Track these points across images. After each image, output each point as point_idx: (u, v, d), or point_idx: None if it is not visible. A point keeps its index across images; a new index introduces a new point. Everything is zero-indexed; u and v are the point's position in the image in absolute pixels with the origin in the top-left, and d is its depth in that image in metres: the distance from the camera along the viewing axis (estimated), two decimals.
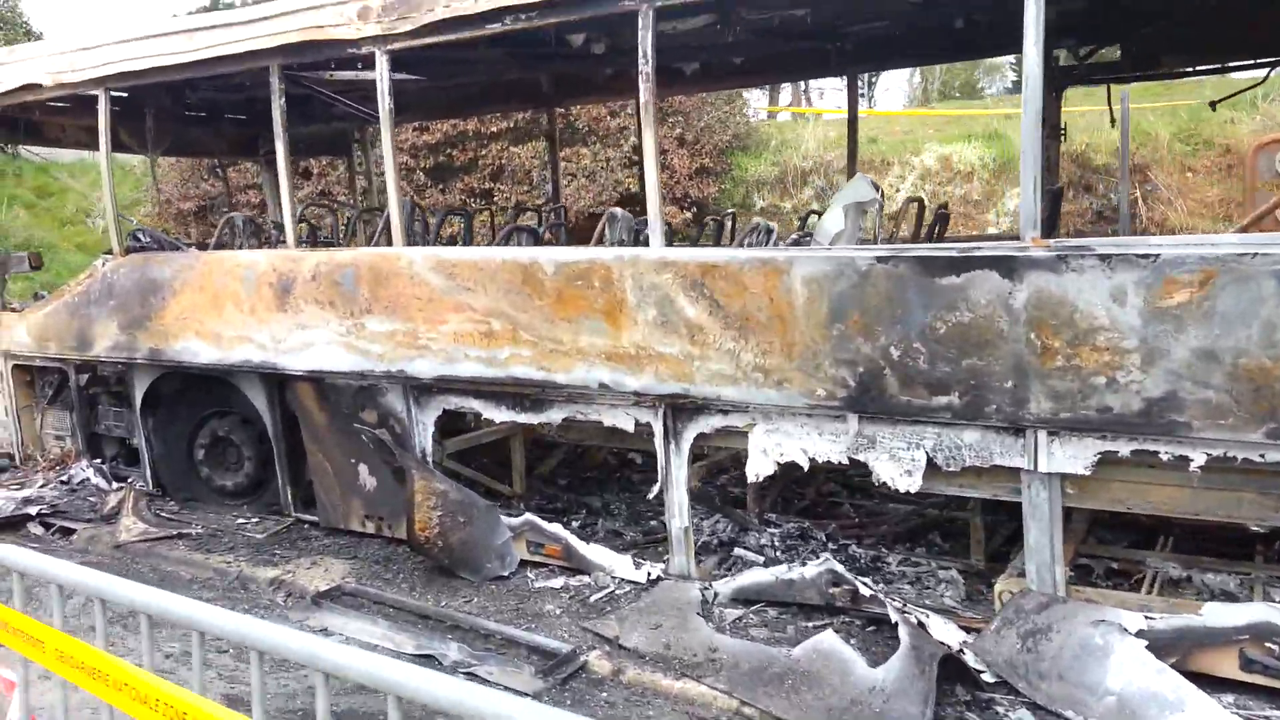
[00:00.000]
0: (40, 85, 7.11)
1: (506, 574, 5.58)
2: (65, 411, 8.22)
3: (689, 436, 5.01)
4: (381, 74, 5.51)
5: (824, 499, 6.60)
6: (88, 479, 7.83)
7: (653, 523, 6.21)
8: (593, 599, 5.23)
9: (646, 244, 5.11)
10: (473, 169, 14.71)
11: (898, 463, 4.38)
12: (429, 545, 5.52)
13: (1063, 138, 6.29)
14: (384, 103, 5.57)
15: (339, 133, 9.86)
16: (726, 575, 5.29)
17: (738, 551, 5.53)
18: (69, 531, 6.99)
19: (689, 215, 14.00)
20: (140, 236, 7.69)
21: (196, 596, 5.62)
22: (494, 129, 14.39)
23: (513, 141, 14.48)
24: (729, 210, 6.93)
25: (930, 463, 4.34)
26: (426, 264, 5.48)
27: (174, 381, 7.17)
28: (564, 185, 13.97)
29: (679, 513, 5.13)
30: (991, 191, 13.98)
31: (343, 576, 5.80)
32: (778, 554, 5.55)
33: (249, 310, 6.29)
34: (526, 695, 4.27)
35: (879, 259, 4.09)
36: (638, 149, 14.13)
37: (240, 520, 6.94)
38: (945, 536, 5.80)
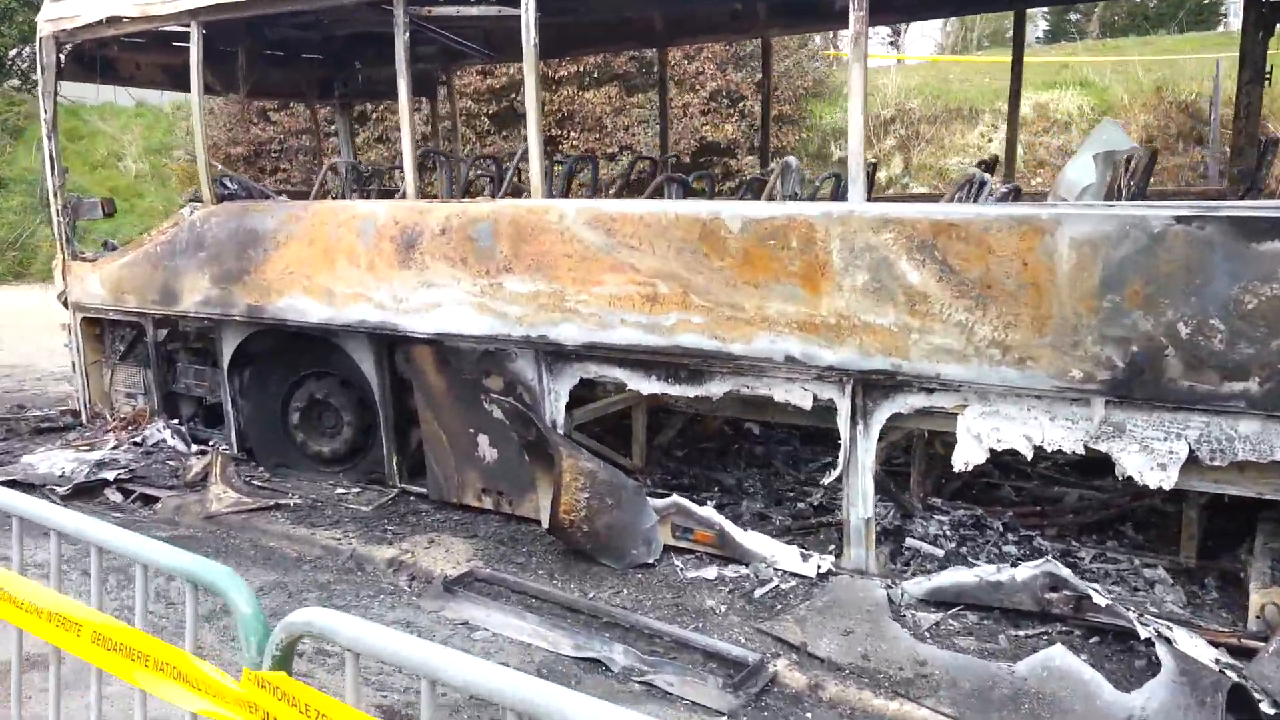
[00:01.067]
0: (123, 18, 6.50)
1: (651, 561, 5.05)
2: (138, 368, 7.71)
3: (881, 417, 4.44)
4: (527, 5, 4.89)
5: (977, 480, 6.02)
6: (163, 441, 7.33)
7: (799, 505, 5.66)
8: (757, 594, 4.70)
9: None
10: None
11: (1150, 454, 3.79)
12: (572, 530, 4.99)
13: (1267, 82, 5.58)
14: (528, 37, 4.96)
15: (423, 74, 9.19)
16: (905, 570, 4.75)
17: (912, 543, 4.98)
18: (151, 499, 6.50)
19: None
20: (227, 184, 7.12)
21: (310, 579, 5.16)
22: (562, 73, 13.68)
23: (581, 87, 13.77)
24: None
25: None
26: (581, 218, 4.89)
27: (266, 340, 6.63)
28: (637, 133, 13.30)
29: (861, 501, 4.57)
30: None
31: (468, 559, 5.29)
32: (951, 544, 5.01)
33: (366, 266, 5.72)
34: (722, 716, 3.76)
35: (1179, 219, 3.47)
36: (716, 94, 13.44)
37: (340, 490, 6.43)
38: (1138, 528, 5.24)
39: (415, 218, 5.51)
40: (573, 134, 13.62)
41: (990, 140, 13.74)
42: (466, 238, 5.31)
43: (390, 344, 6.01)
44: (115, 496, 6.59)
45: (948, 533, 5.13)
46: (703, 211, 4.55)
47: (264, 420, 6.83)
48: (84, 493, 6.60)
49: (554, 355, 5.32)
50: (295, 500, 6.27)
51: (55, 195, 7.60)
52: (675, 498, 5.15)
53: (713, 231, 4.49)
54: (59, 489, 6.56)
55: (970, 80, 15.59)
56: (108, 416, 7.81)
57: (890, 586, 4.53)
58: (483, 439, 5.77)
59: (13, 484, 6.62)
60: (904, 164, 13.93)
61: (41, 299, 17.82)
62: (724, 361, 4.66)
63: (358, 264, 5.76)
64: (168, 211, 21.50)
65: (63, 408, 8.46)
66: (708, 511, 5.05)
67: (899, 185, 13.80)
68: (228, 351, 6.83)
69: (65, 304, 7.94)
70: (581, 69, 13.57)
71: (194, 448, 7.23)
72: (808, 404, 4.63)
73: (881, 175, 13.78)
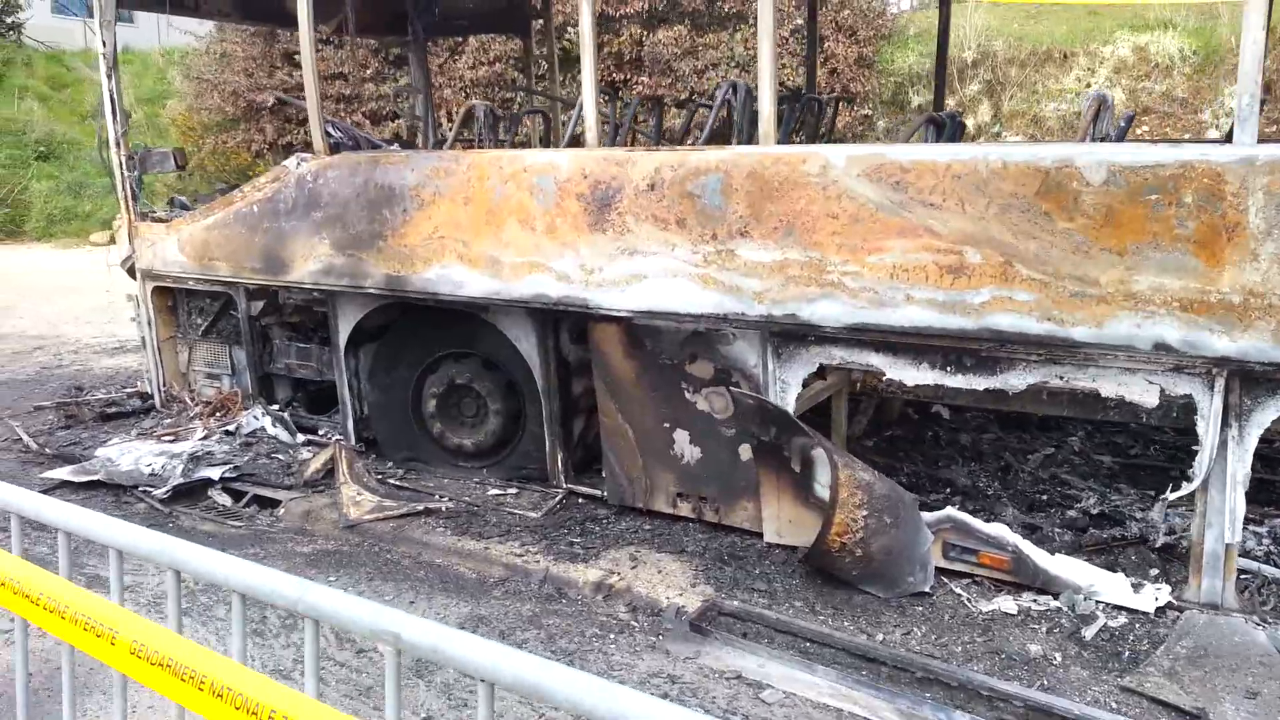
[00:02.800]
0: None
1: (927, 589, 4.17)
2: (223, 346, 6.71)
3: (1264, 419, 3.54)
4: None
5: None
6: (262, 430, 6.34)
7: (1068, 512, 4.79)
8: (1087, 635, 3.83)
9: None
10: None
11: None
12: (842, 554, 4.10)
13: None
14: None
15: (514, 6, 8.10)
16: (1260, 602, 3.90)
17: (1245, 564, 4.11)
18: (267, 502, 5.55)
19: (867, 113, 12.27)
20: (331, 131, 6.06)
21: (510, 610, 4.24)
22: (625, 10, 12.52)
23: (646, 26, 12.64)
24: (1102, 93, 5.32)
25: None
26: (855, 169, 3.92)
27: (392, 314, 5.65)
28: (705, 75, 12.24)
29: (1228, 521, 3.69)
30: (1198, 89, 12.26)
31: (690, 583, 4.39)
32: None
33: (544, 229, 4.73)
34: None
35: None
36: (795, 32, 12.32)
37: (493, 491, 5.49)
38: None
39: (612, 170, 4.51)
40: (642, 78, 12.50)
41: (1089, 85, 12.77)
42: (684, 194, 4.33)
43: (556, 321, 5.06)
44: (222, 499, 5.63)
45: (1272, 548, 4.28)
46: (1046, 158, 3.58)
47: (391, 408, 5.86)
48: (183, 495, 5.64)
49: (785, 338, 4.38)
50: (446, 504, 5.33)
51: (117, 145, 6.50)
52: (950, 511, 4.25)
53: (1059, 184, 3.53)
54: (155, 491, 5.59)
55: (1051, 19, 14.53)
56: (187, 400, 6.81)
57: (1259, 625, 3.68)
58: (681, 435, 4.84)
59: (94, 485, 5.69)
60: (993, 111, 12.93)
61: (57, 260, 16.58)
62: (1054, 349, 3.73)
63: (531, 227, 4.76)
64: None
65: (129, 389, 7.43)
66: (996, 529, 4.16)
67: (989, 134, 12.81)
68: (345, 328, 5.84)
69: (130, 272, 6.89)
70: (648, 5, 12.42)
71: (300, 438, 6.25)
72: (1152, 400, 3.73)
73: (970, 124, 12.80)
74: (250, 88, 14.40)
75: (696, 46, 12.43)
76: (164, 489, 5.61)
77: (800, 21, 12.08)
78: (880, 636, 3.90)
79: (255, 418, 6.41)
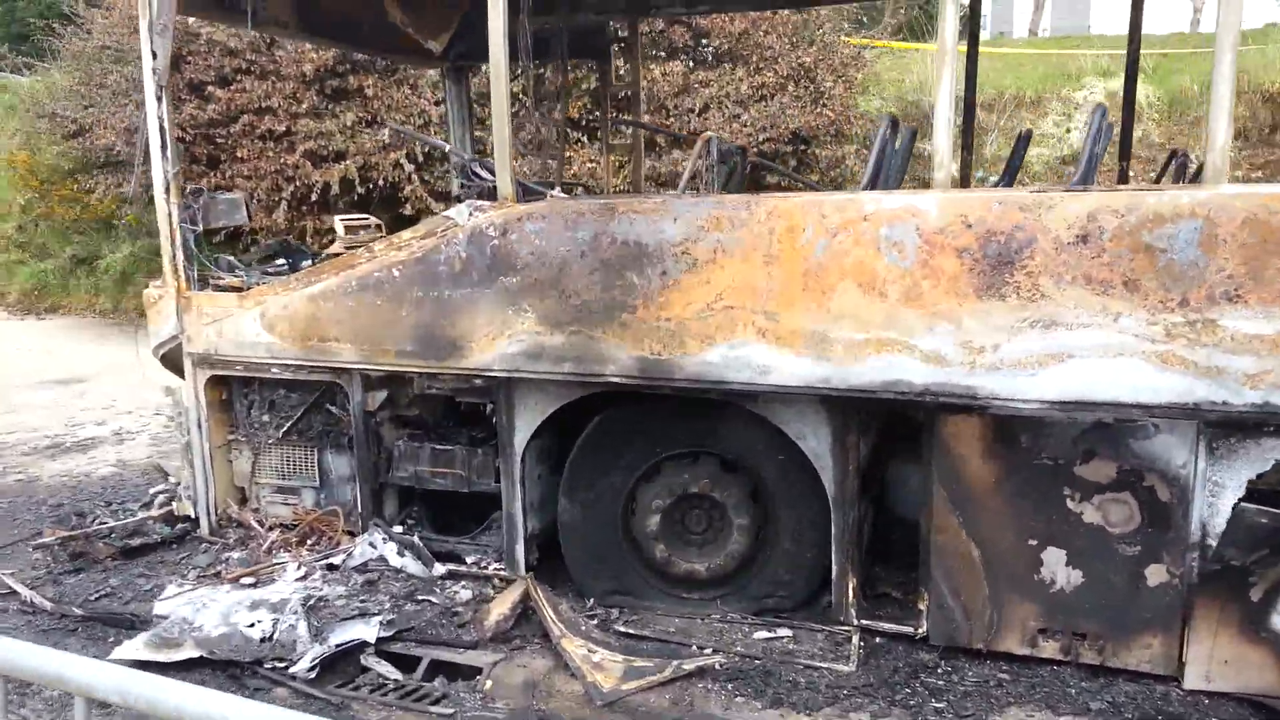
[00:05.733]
0: None
1: None
2: (307, 451, 5.16)
3: None
4: None
5: None
6: (380, 560, 4.83)
7: None
8: None
9: None
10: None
11: None
12: None
13: None
14: None
15: (593, 28, 6.93)
16: None
17: None
18: (447, 669, 4.10)
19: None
20: (479, 172, 4.73)
21: None
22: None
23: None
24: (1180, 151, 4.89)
25: None
26: None
27: (591, 405, 4.37)
28: (710, 118, 11.38)
29: None
30: (1172, 133, 12.42)
31: None
32: None
33: (901, 296, 3.61)
34: None
35: None
36: (798, 71, 11.60)
37: (761, 635, 4.23)
38: None
39: (1014, 217, 3.47)
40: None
41: (1069, 130, 12.74)
42: (1138, 247, 3.34)
43: (844, 409, 3.93)
44: (385, 669, 4.11)
45: None
46: None
47: (594, 527, 4.50)
48: (327, 669, 4.09)
49: (1225, 428, 3.46)
50: (717, 659, 4.05)
51: (167, 190, 4.89)
52: None
53: None
54: (296, 668, 4.02)
55: (1015, 68, 14.56)
56: (253, 524, 5.16)
57: None
58: (1054, 554, 3.81)
59: (187, 665, 4.06)
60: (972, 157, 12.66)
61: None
62: None
63: (880, 293, 3.64)
64: (23, 207, 17.36)
65: (148, 512, 5.62)
66: None
67: (974, 180, 12.52)
68: (525, 426, 4.48)
69: (167, 360, 5.24)
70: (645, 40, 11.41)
71: (438, 569, 4.78)
72: None
73: (956, 168, 12.47)
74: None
75: (690, 84, 11.52)
76: (305, 664, 4.04)
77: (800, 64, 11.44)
78: None
79: (372, 545, 4.89)
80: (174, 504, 5.49)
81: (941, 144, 3.64)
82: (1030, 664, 3.95)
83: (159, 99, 4.78)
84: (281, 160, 11.89)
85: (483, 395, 4.63)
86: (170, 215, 4.89)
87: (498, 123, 4.24)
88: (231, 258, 5.38)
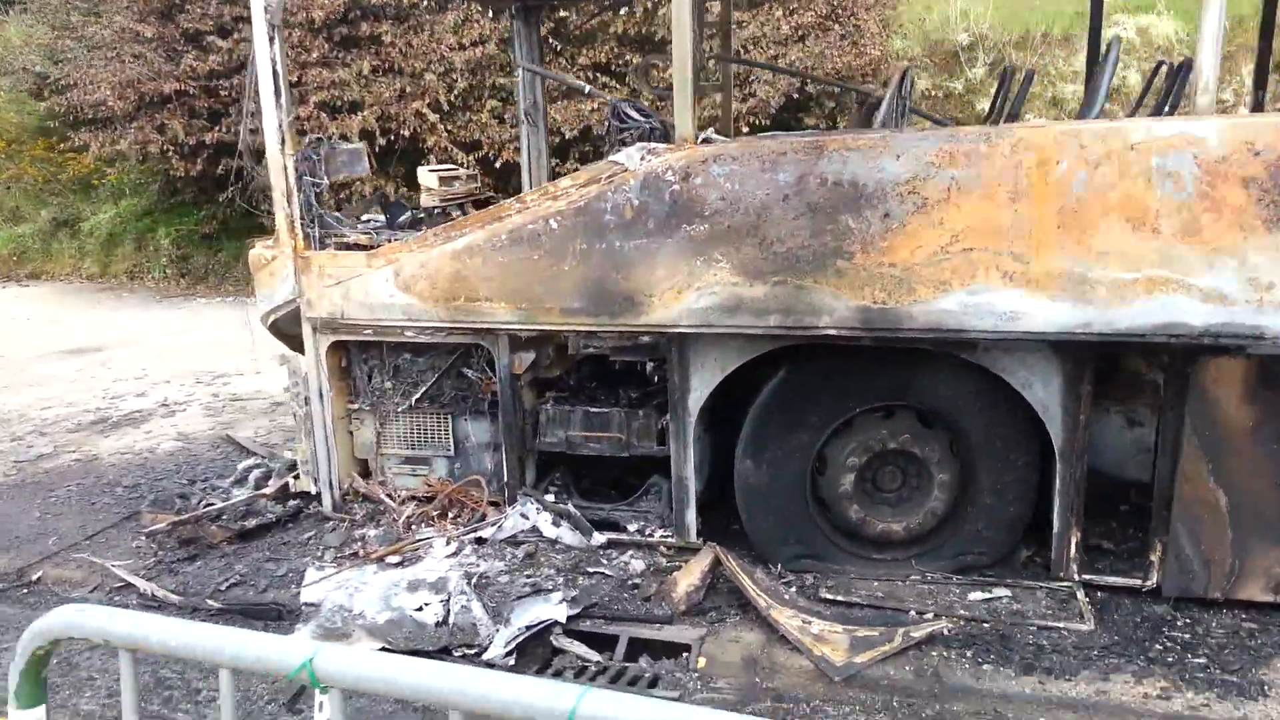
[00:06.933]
0: None
1: None
2: (440, 418, 4.78)
3: None
4: None
5: None
6: (533, 530, 4.50)
7: None
8: None
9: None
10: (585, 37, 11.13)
11: None
12: None
13: None
14: None
15: None
16: None
17: None
18: (650, 648, 3.80)
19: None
20: (630, 113, 4.35)
21: None
22: None
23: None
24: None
25: None
26: None
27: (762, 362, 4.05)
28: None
29: None
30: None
31: None
32: None
33: (1177, 231, 3.32)
34: None
35: None
36: (835, 10, 11.14)
37: (976, 595, 3.98)
38: None
39: None
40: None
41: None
42: None
43: (1075, 355, 3.66)
44: (579, 649, 3.80)
45: None
46: None
47: (779, 489, 4.19)
48: (519, 653, 3.77)
49: None
50: (944, 625, 3.79)
51: (283, 141, 4.43)
52: None
53: None
54: (492, 653, 3.70)
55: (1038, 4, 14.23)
56: (383, 498, 4.78)
57: None
58: None
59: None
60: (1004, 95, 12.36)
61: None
62: None
63: (1152, 228, 3.34)
64: None
65: (243, 489, 5.20)
66: None
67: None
68: (703, 385, 4.14)
69: (276, 328, 4.81)
70: None
71: (598, 538, 4.46)
72: None
73: (982, 107, 12.20)
74: (151, 74, 11.54)
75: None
76: (500, 648, 3.72)
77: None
78: None
79: (524, 515, 4.54)
80: (288, 479, 5.08)
81: (1207, 66, 3.32)
82: (1269, 610, 3.76)
83: (271, 40, 4.30)
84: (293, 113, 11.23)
85: (647, 353, 4.27)
86: (286, 168, 4.42)
87: (679, 60, 3.84)
88: (337, 214, 4.92)
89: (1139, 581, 3.90)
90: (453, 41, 10.94)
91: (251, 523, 4.86)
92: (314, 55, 11.25)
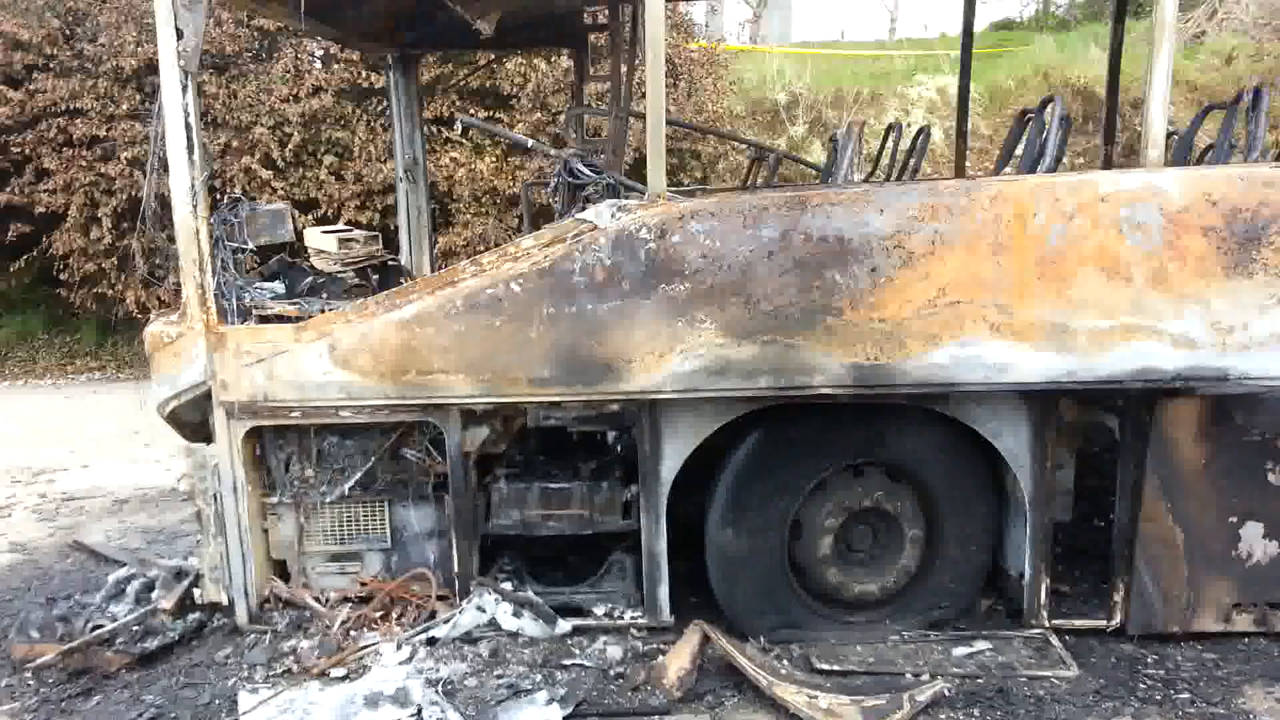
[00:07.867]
0: None
1: None
2: (374, 507, 4.34)
3: None
4: None
5: None
6: (491, 624, 4.16)
7: None
8: None
9: None
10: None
11: None
12: None
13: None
14: None
15: (566, 14, 6.40)
16: None
17: None
18: None
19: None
20: (580, 169, 4.20)
21: None
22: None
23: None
24: None
25: None
26: None
27: (740, 425, 3.97)
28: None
29: None
30: (998, 127, 13.40)
31: None
32: None
33: (1147, 279, 3.50)
34: None
35: None
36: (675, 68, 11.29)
37: (960, 651, 4.00)
38: None
39: (1258, 194, 3.45)
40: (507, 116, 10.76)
41: (909, 124, 13.39)
42: None
43: (1043, 403, 3.80)
44: None
45: None
46: None
47: (758, 558, 4.07)
48: None
49: None
50: (941, 685, 3.76)
51: (194, 196, 3.94)
52: None
53: None
54: None
55: (843, 66, 15.12)
56: (310, 603, 4.27)
57: None
58: (1251, 529, 3.88)
59: None
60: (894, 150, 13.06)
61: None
62: None
63: (1124, 277, 3.51)
64: None
65: (135, 603, 4.49)
66: None
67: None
68: (675, 453, 3.98)
69: (173, 417, 4.22)
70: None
71: (563, 625, 4.16)
72: None
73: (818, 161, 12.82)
74: None
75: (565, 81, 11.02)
76: None
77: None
78: None
79: (480, 609, 4.18)
80: (182, 588, 4.44)
81: (1156, 121, 3.55)
82: (1223, 640, 3.99)
83: (184, 88, 3.83)
84: (98, 170, 10.21)
85: (612, 422, 4.07)
86: (198, 233, 3.93)
87: (653, 113, 3.72)
88: (261, 286, 4.42)
89: (1104, 622, 4.04)
90: (284, 93, 10.30)
91: (152, 644, 4.20)
92: (123, 107, 10.31)
